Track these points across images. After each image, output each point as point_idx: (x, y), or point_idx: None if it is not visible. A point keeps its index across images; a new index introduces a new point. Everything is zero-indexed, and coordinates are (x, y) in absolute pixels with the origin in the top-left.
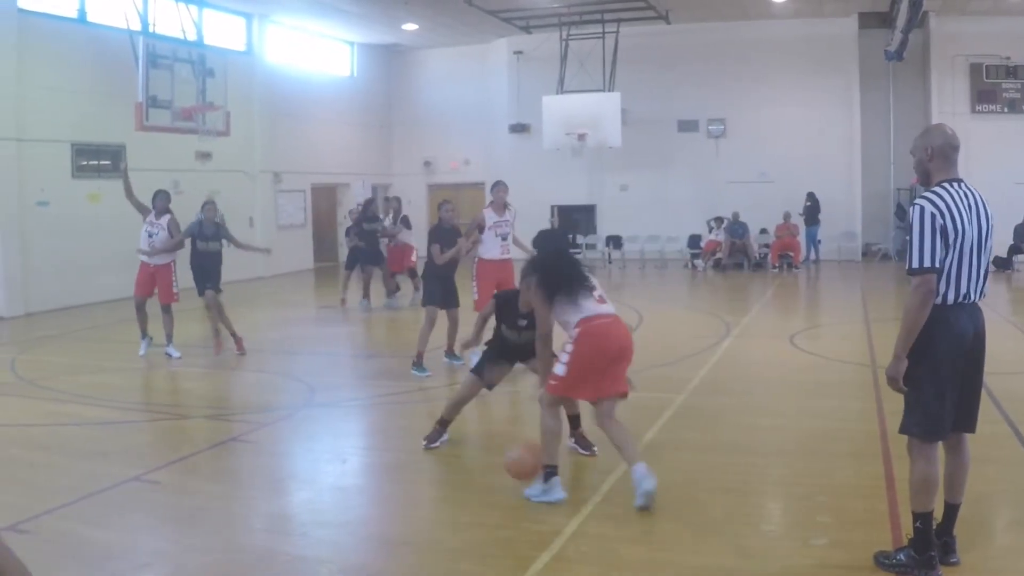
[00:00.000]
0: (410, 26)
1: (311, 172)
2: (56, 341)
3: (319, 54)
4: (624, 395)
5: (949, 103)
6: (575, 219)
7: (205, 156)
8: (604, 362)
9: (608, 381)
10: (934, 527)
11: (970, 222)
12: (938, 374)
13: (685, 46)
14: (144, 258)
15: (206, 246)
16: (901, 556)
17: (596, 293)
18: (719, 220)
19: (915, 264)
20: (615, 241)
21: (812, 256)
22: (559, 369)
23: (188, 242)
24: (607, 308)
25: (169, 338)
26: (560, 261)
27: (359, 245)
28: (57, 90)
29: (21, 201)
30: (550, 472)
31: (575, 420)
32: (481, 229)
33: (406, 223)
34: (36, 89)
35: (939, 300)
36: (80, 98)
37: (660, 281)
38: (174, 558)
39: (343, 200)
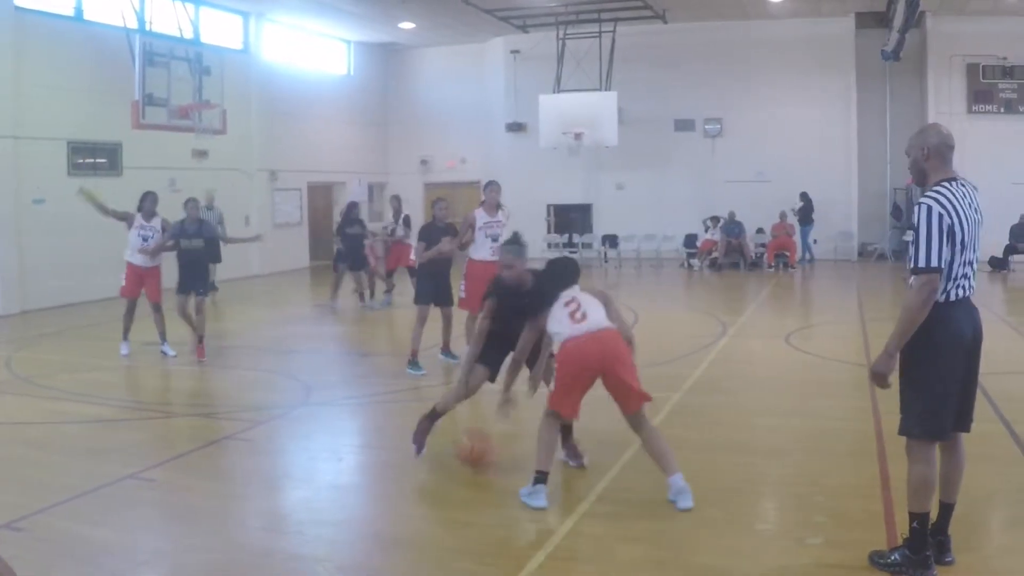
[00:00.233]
0: (407, 25)
1: (308, 170)
2: (52, 339)
3: (316, 52)
4: (635, 410)
5: (946, 103)
6: (571, 218)
7: (201, 154)
8: (589, 375)
9: (614, 395)
10: (929, 526)
11: (971, 221)
12: (941, 374)
13: (682, 45)
14: (139, 261)
15: (189, 244)
16: (896, 556)
17: (576, 313)
18: (715, 219)
19: (921, 263)
20: (611, 240)
21: (807, 256)
22: (553, 385)
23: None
24: (583, 326)
25: (163, 336)
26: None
27: (340, 248)
28: (53, 88)
29: (17, 199)
30: (539, 478)
31: (566, 431)
32: (472, 229)
33: (407, 222)
34: (32, 87)
35: (940, 298)
36: (77, 96)
37: (656, 280)
38: (171, 556)
39: (339, 198)
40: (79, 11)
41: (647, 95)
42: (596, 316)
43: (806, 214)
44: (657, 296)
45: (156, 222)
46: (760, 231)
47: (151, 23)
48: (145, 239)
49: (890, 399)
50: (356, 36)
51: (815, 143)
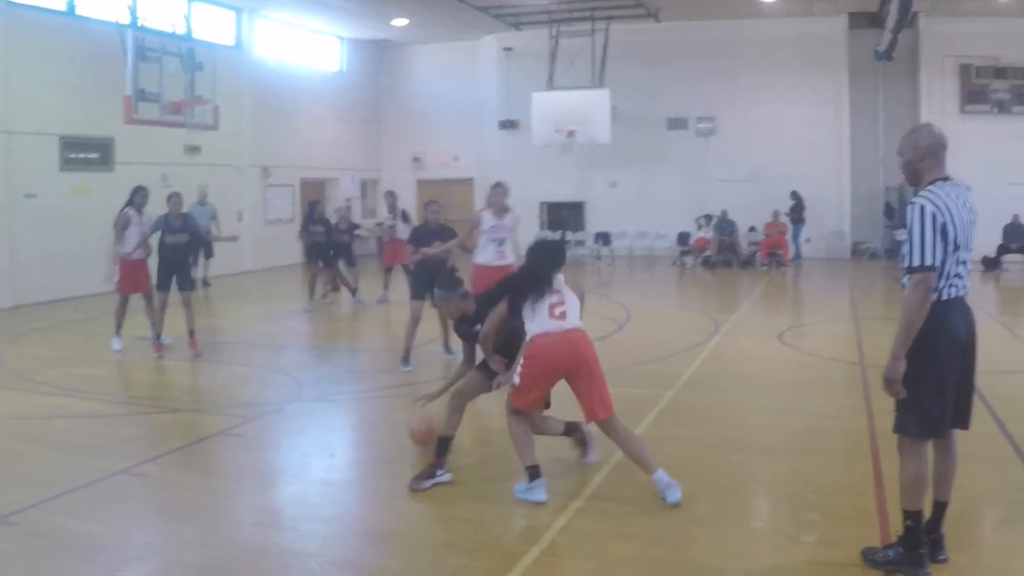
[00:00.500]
0: (400, 21)
1: (300, 167)
2: (44, 333)
3: (308, 49)
4: (607, 415)
5: (938, 103)
6: (564, 216)
7: (194, 150)
8: (555, 377)
9: (580, 398)
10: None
11: (964, 220)
12: (936, 372)
13: (675, 44)
14: (138, 255)
15: (174, 239)
16: (890, 553)
17: (557, 308)
18: (708, 218)
19: (915, 262)
20: (604, 238)
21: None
22: (516, 379)
23: (157, 236)
24: (560, 324)
25: (159, 326)
26: (532, 278)
27: (313, 243)
28: (45, 83)
29: (9, 194)
30: (532, 473)
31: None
32: (477, 231)
33: (405, 218)
34: (24, 82)
35: (934, 298)
36: (68, 91)
37: (649, 278)
38: (164, 551)
39: (332, 195)
40: (71, 6)
41: (640, 93)
42: (573, 316)
43: (797, 213)
44: (650, 294)
45: (144, 216)
46: (752, 229)
47: (143, 18)
48: (143, 234)
49: (883, 397)
50: (349, 32)
51: (808, 142)
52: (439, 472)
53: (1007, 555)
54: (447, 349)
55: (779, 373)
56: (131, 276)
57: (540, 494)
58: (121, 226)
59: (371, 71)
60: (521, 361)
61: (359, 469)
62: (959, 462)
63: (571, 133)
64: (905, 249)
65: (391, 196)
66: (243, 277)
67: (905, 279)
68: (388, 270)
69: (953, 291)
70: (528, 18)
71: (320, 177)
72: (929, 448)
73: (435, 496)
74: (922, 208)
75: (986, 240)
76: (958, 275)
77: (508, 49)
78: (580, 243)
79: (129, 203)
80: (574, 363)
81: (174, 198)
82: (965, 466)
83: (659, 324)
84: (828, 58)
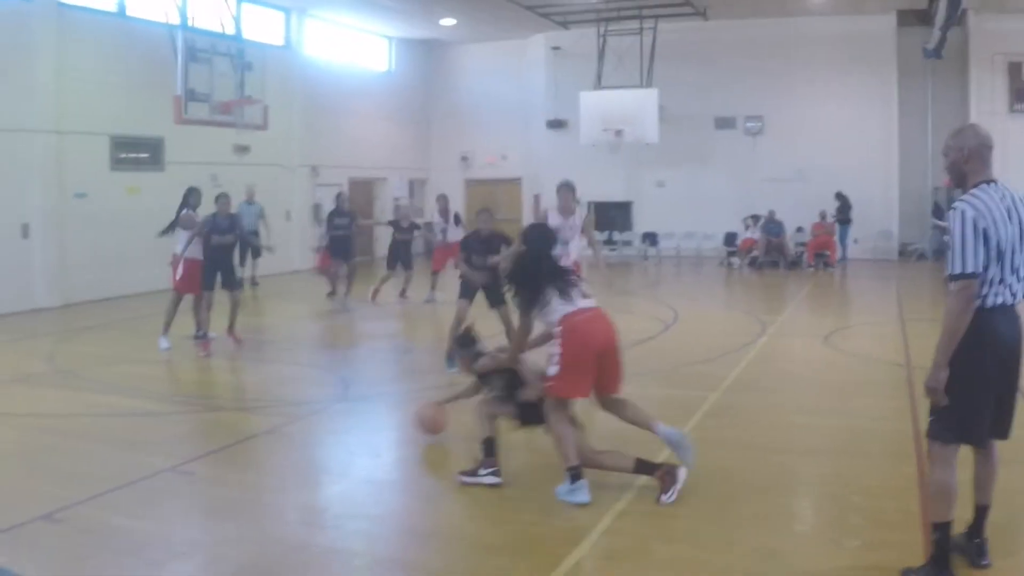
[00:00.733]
0: (448, 21)
1: (349, 166)
2: (94, 332)
3: (357, 49)
4: (617, 392)
5: (988, 102)
6: (611, 215)
7: (243, 150)
8: (592, 355)
9: (604, 378)
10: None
11: (1007, 223)
12: (976, 381)
13: (723, 43)
14: (196, 255)
15: (221, 239)
16: (920, 575)
17: (576, 288)
18: (755, 218)
19: (957, 269)
20: (651, 238)
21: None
22: (552, 370)
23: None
24: (588, 302)
25: (206, 325)
26: (542, 265)
27: (336, 236)
28: (96, 83)
29: (60, 193)
30: (575, 474)
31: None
32: None
33: (457, 220)
34: (75, 82)
35: (978, 304)
36: (119, 91)
37: (696, 279)
38: (208, 548)
39: (380, 194)
40: (122, 7)
41: (688, 92)
42: (592, 296)
43: (843, 213)
44: (696, 295)
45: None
46: (800, 230)
47: (193, 19)
48: (192, 234)
49: (928, 400)
50: (397, 32)
51: (856, 141)
52: (482, 472)
53: None
54: (450, 362)
55: (825, 375)
56: (191, 276)
57: (583, 495)
58: (190, 226)
59: (419, 71)
60: (556, 349)
61: (404, 469)
62: (999, 467)
63: (619, 133)
64: (949, 256)
65: (443, 199)
66: (291, 277)
67: (951, 286)
68: (435, 272)
69: (1000, 298)
70: (576, 17)
71: (369, 177)
72: (958, 456)
73: (479, 496)
74: (963, 213)
75: None
76: (1004, 282)
77: (556, 48)
78: (627, 243)
79: (185, 204)
80: (610, 343)
81: (222, 199)
82: (1009, 471)
83: (706, 325)
84: (877, 56)
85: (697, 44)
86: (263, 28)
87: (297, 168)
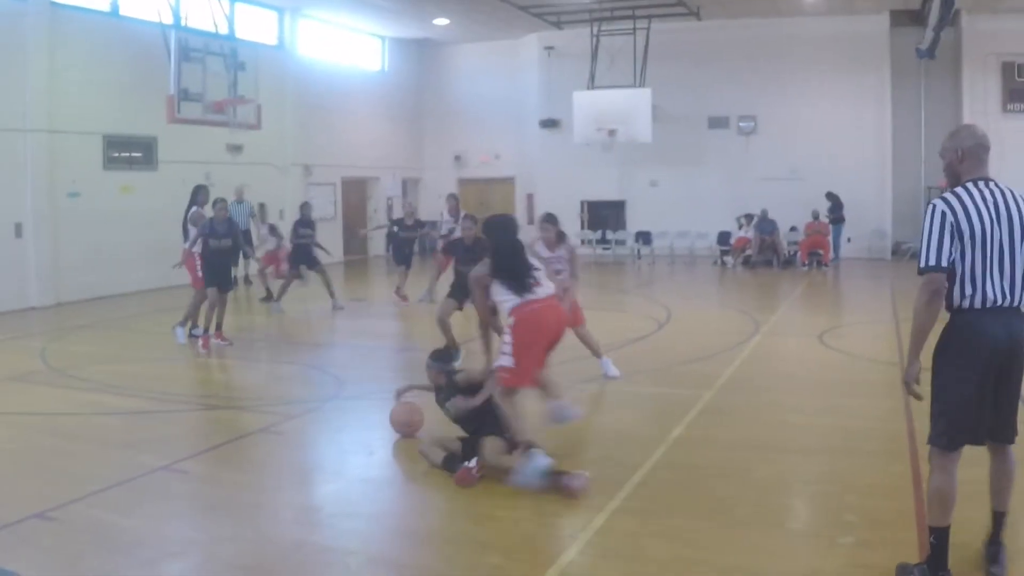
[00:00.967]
0: (441, 21)
1: (342, 165)
2: (87, 331)
3: (350, 48)
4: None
5: (980, 102)
6: (605, 215)
7: (236, 149)
8: (543, 345)
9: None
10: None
11: (995, 221)
12: (959, 382)
13: (716, 42)
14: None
15: (218, 244)
16: (915, 572)
17: (535, 277)
18: (749, 217)
19: (921, 263)
20: (645, 237)
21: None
22: (504, 360)
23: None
24: (542, 290)
25: (219, 324)
26: (509, 253)
27: (299, 245)
28: (89, 82)
29: (53, 192)
30: (528, 444)
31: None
32: None
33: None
34: (68, 82)
35: (965, 304)
36: (112, 91)
37: (689, 278)
38: (203, 547)
39: (373, 194)
40: (115, 6)
41: (681, 92)
42: (547, 283)
43: (835, 213)
44: (690, 294)
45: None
46: (793, 229)
47: (186, 18)
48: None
49: (922, 399)
50: (390, 32)
51: (849, 141)
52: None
53: None
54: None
55: (819, 374)
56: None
57: (541, 459)
58: (198, 223)
59: (413, 70)
60: (507, 339)
61: (398, 467)
62: (1016, 471)
63: (612, 132)
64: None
65: (453, 198)
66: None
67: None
68: (442, 272)
69: (984, 298)
70: (569, 17)
71: (361, 176)
72: (958, 463)
73: (473, 495)
74: (933, 207)
75: None
76: (987, 280)
77: (549, 48)
78: (621, 242)
79: (193, 201)
80: (558, 333)
81: (219, 203)
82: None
83: (699, 324)
84: (870, 56)
85: (690, 44)
86: (256, 27)
87: (290, 167)
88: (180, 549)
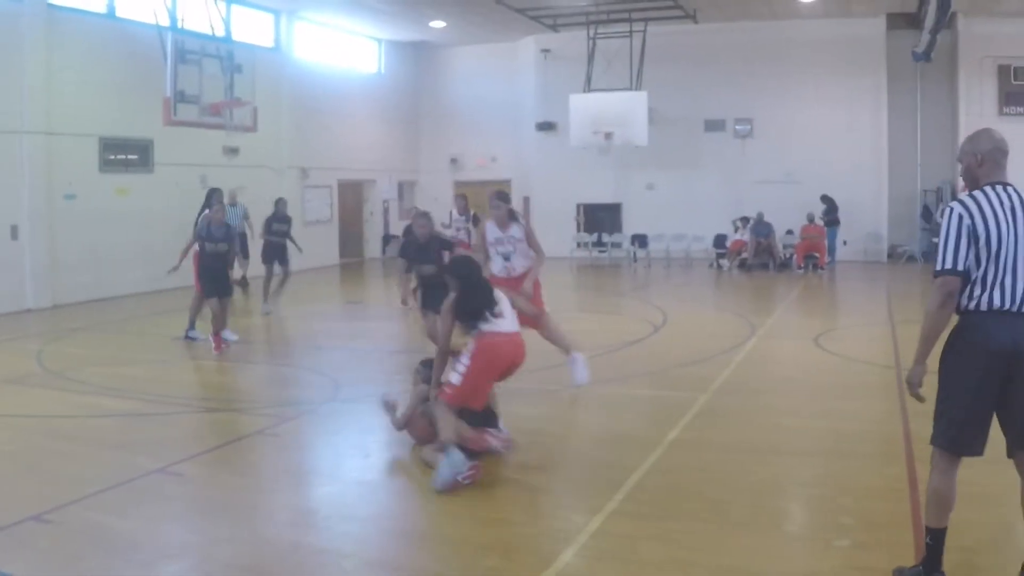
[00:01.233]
0: (438, 23)
1: (338, 168)
2: (83, 333)
3: (347, 51)
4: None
5: (976, 105)
6: (601, 217)
7: (232, 151)
8: (495, 375)
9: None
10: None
11: (1010, 225)
12: (964, 385)
13: (713, 45)
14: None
15: (215, 248)
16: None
17: (497, 309)
18: (745, 220)
19: (937, 266)
20: (641, 240)
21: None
22: (454, 379)
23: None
24: (503, 322)
25: (224, 323)
26: (474, 292)
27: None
28: (85, 84)
29: (49, 194)
30: (448, 446)
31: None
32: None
33: (475, 221)
34: (65, 83)
35: (972, 306)
36: (108, 93)
37: (685, 280)
38: (199, 550)
39: (370, 196)
40: (111, 8)
41: (677, 95)
42: (511, 317)
43: (830, 215)
44: (686, 296)
45: None
46: (789, 232)
47: (183, 21)
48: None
49: (918, 402)
50: (387, 35)
51: (845, 144)
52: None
53: None
54: None
55: (815, 377)
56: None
57: (455, 453)
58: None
59: (409, 73)
60: (465, 361)
61: (394, 469)
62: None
63: (608, 135)
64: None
65: (462, 199)
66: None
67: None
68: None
69: (995, 302)
70: (566, 20)
71: (358, 178)
72: (958, 467)
73: (469, 497)
74: (950, 211)
75: None
76: (1000, 285)
77: (546, 51)
78: (617, 245)
79: (207, 204)
80: (516, 364)
81: (216, 207)
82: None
83: (695, 327)
84: (866, 59)
85: (687, 47)
86: (253, 30)
87: (286, 170)
88: (176, 551)
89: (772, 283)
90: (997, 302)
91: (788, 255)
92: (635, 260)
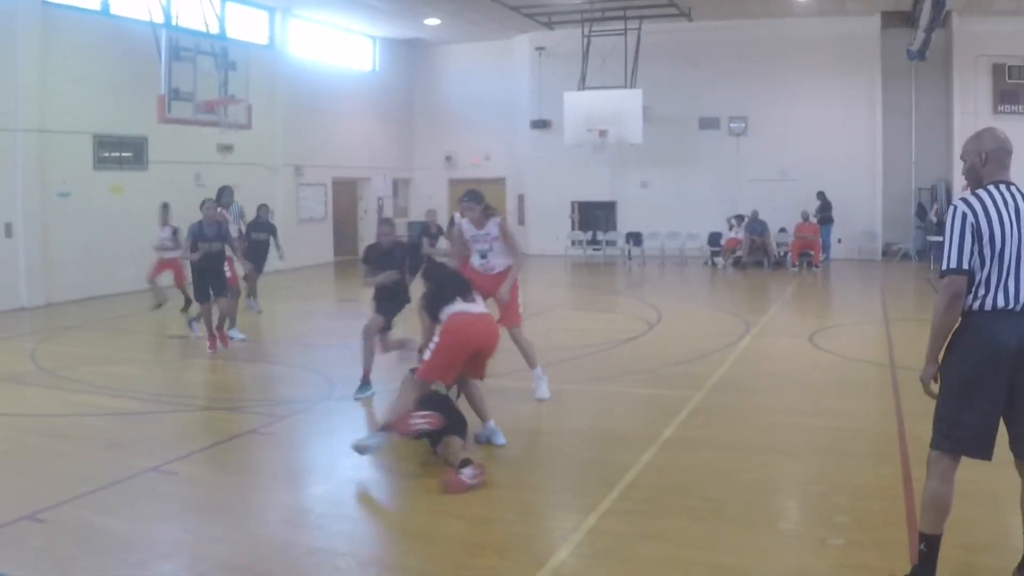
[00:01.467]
0: (432, 21)
1: (332, 166)
2: (76, 331)
3: (341, 48)
4: (480, 379)
5: (971, 103)
6: (595, 215)
7: (227, 149)
8: (466, 353)
9: (472, 367)
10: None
11: (1014, 224)
12: (966, 385)
13: (707, 43)
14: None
15: (208, 247)
16: None
17: (470, 296)
18: (739, 218)
19: (943, 265)
20: (635, 238)
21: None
22: (427, 355)
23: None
24: (474, 306)
25: (233, 321)
26: (442, 290)
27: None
28: (80, 82)
29: (43, 192)
30: (383, 430)
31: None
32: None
33: (450, 223)
34: (59, 81)
35: (976, 305)
36: (103, 90)
37: (680, 278)
38: (192, 548)
39: (364, 194)
40: (106, 5)
41: (672, 93)
42: (481, 303)
43: (825, 213)
44: (681, 294)
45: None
46: (783, 230)
47: (177, 18)
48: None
49: (914, 400)
50: (382, 32)
51: (840, 142)
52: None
53: None
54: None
55: (809, 375)
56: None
57: (374, 440)
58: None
59: (404, 70)
60: (436, 339)
61: (388, 468)
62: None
63: (603, 133)
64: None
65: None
66: (275, 276)
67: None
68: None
69: (998, 302)
70: (560, 17)
71: (352, 176)
72: (956, 470)
73: (463, 496)
74: (954, 209)
75: None
76: (1003, 284)
77: (540, 49)
78: (611, 243)
79: (216, 203)
80: (486, 345)
81: (208, 204)
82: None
83: (690, 325)
84: (861, 57)
85: (681, 45)
86: (247, 27)
87: (281, 168)
88: (170, 550)
89: (766, 281)
90: (1001, 302)
91: (782, 253)
92: (630, 258)
